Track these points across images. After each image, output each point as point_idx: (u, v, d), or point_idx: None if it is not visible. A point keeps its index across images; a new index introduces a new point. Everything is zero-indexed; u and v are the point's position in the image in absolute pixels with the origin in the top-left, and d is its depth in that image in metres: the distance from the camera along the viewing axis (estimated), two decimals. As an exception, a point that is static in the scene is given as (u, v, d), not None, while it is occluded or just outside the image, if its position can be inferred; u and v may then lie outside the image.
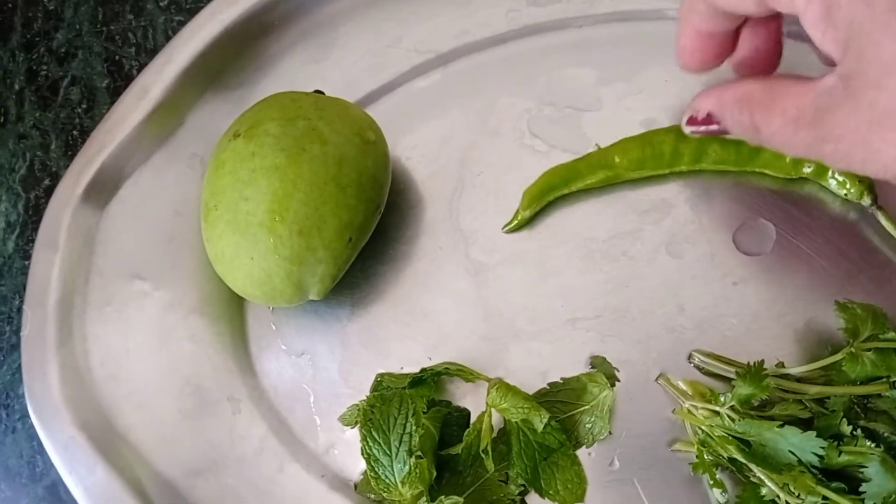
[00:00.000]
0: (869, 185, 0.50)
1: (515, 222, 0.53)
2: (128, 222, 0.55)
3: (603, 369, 0.50)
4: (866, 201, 0.50)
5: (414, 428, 0.45)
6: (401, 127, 0.57)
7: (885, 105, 0.32)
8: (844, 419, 0.43)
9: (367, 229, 0.50)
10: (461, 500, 0.43)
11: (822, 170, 0.51)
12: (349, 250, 0.49)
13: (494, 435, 0.49)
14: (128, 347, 0.53)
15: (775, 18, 0.41)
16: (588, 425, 0.49)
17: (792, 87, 0.37)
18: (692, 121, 0.43)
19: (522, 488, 0.48)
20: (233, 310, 0.55)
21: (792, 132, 0.37)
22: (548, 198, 0.53)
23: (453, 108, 0.57)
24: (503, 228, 0.54)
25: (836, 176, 0.50)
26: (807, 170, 0.51)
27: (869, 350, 0.44)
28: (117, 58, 0.65)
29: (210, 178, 0.48)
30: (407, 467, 0.45)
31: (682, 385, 0.48)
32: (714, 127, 0.42)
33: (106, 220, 0.55)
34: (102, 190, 0.55)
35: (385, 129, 0.53)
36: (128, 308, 0.54)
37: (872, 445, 0.42)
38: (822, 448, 0.42)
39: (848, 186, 0.50)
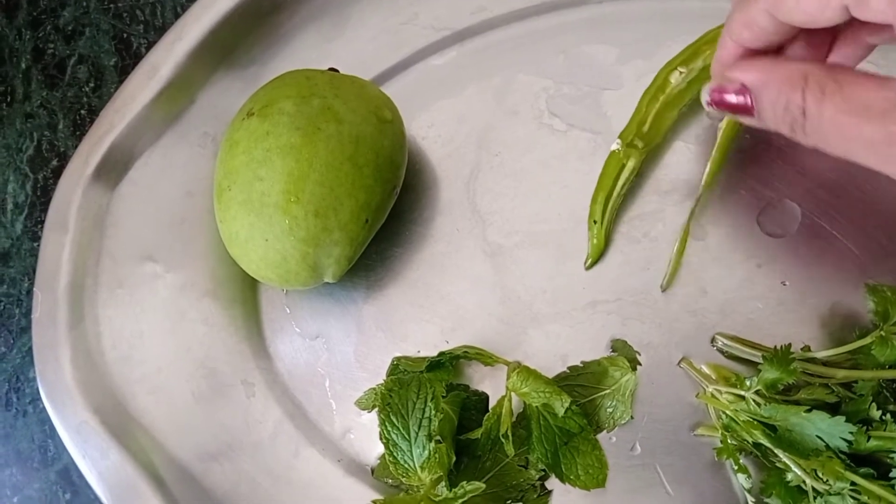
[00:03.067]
0: None
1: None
2: (138, 203, 0.54)
3: (624, 353, 0.49)
4: None
5: (433, 412, 0.45)
6: (416, 106, 0.56)
7: None
8: (874, 403, 0.42)
9: (384, 210, 0.49)
10: (483, 485, 0.42)
11: None
12: (365, 232, 0.48)
13: (514, 419, 0.48)
14: (140, 330, 0.52)
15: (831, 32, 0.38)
16: (609, 409, 0.48)
17: (865, 77, 0.32)
18: (719, 91, 0.38)
19: (542, 473, 0.47)
20: (246, 293, 0.54)
21: (856, 123, 0.31)
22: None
23: (470, 86, 0.56)
24: (586, 266, 0.52)
25: None
26: None
27: (899, 334, 0.43)
28: (125, 35, 0.64)
29: (223, 158, 0.47)
30: (426, 452, 0.44)
31: (705, 369, 0.47)
32: (742, 100, 0.37)
33: (116, 201, 0.54)
34: (112, 170, 0.53)
35: (400, 108, 0.52)
36: (140, 290, 0.53)
37: (903, 431, 0.41)
38: (851, 433, 0.41)
39: None
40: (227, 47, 0.56)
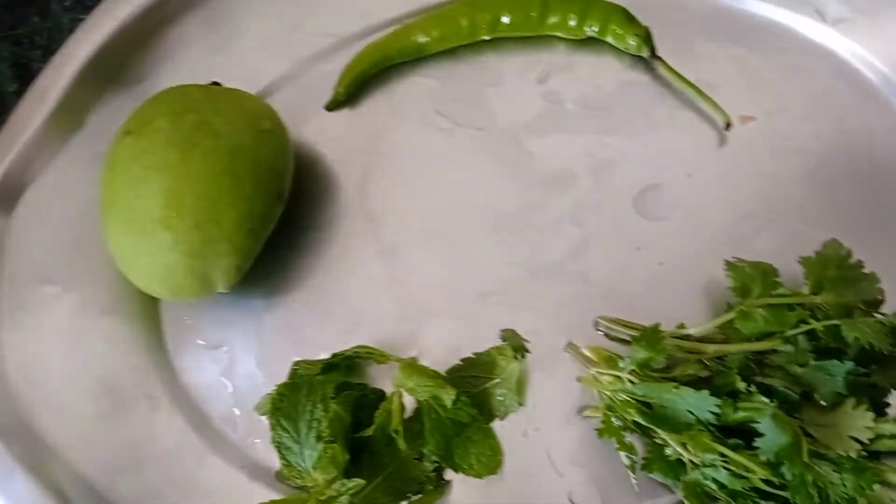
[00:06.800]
0: (645, 36, 0.53)
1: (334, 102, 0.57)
2: (35, 226, 0.54)
3: (513, 342, 0.50)
4: (645, 52, 0.54)
5: (322, 414, 0.46)
6: (308, 113, 0.57)
7: None
8: (738, 376, 0.43)
9: (270, 218, 0.50)
10: (363, 482, 0.43)
11: (604, 29, 0.54)
12: (252, 241, 0.49)
13: (410, 415, 0.49)
14: (42, 351, 0.52)
15: None
16: (500, 398, 0.49)
17: None
18: None
19: (437, 465, 0.48)
20: (146, 307, 0.54)
21: None
22: (361, 78, 0.57)
23: (359, 90, 0.57)
24: (325, 107, 0.56)
25: (616, 29, 0.54)
26: (590, 31, 0.54)
27: (761, 307, 0.44)
28: (25, 61, 0.65)
29: (105, 178, 0.48)
30: (316, 453, 0.45)
31: (587, 352, 0.49)
32: None
33: (13, 226, 0.54)
34: (8, 196, 0.54)
35: (291, 115, 0.53)
36: (40, 312, 0.53)
37: (767, 401, 0.42)
38: (718, 406, 0.42)
39: (627, 40, 0.54)
40: (115, 67, 0.56)
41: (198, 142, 0.47)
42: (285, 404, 0.46)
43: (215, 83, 0.52)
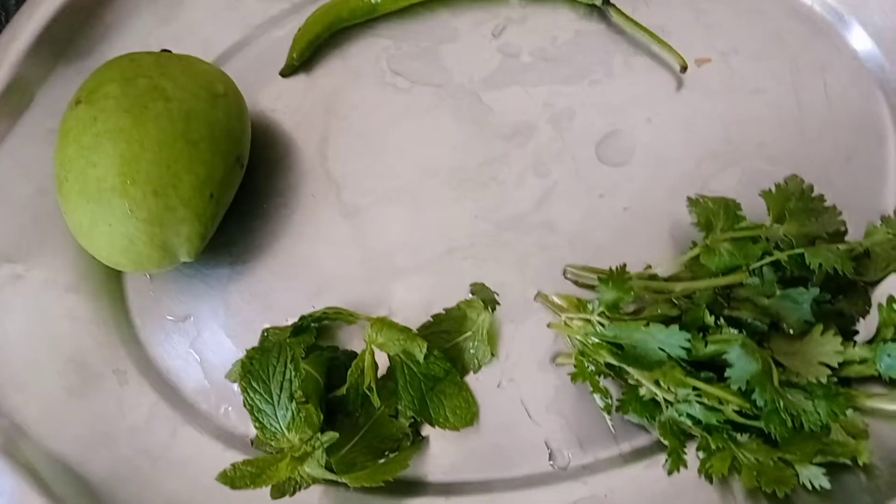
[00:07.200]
0: None
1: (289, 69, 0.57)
2: (-9, 207, 0.53)
3: (482, 295, 0.50)
4: (598, 1, 0.54)
5: (293, 374, 0.45)
6: (262, 80, 0.57)
7: None
8: (707, 310, 0.43)
9: (230, 183, 0.50)
10: (336, 434, 0.43)
11: None
12: (213, 207, 0.48)
13: (384, 373, 0.49)
14: (6, 331, 0.52)
15: None
16: (472, 351, 0.49)
17: None
18: None
19: (412, 420, 0.48)
20: (111, 282, 0.54)
21: None
22: (315, 42, 0.56)
23: (312, 55, 0.56)
24: (280, 73, 0.56)
25: None
26: None
27: (725, 241, 0.44)
28: (-28, 44, 0.63)
29: (57, 150, 0.47)
30: (290, 413, 0.45)
31: (556, 300, 0.49)
32: None
33: (-31, 207, 0.53)
34: (-38, 178, 0.53)
35: (245, 83, 0.53)
36: (3, 292, 0.52)
37: (736, 333, 0.43)
38: (688, 340, 0.42)
39: None
40: (64, 41, 0.56)
41: (150, 106, 0.46)
42: (255, 367, 0.46)
43: (166, 51, 0.51)
